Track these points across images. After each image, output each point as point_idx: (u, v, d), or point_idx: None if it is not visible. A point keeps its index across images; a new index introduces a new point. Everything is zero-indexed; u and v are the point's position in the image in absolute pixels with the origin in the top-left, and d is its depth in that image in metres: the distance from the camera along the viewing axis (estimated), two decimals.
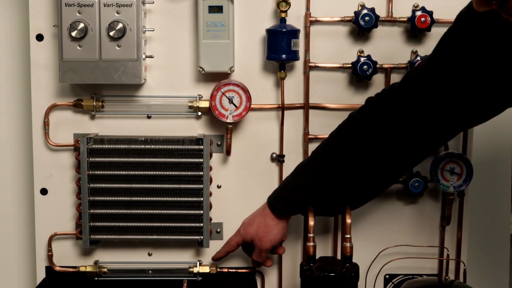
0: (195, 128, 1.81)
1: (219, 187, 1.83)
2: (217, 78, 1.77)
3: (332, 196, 1.67)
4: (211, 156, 1.78)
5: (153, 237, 1.79)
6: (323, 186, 1.65)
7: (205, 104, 1.77)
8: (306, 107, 1.81)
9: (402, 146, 1.59)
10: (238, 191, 1.83)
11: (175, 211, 1.78)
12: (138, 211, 1.78)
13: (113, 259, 1.85)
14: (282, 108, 1.80)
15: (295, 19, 1.77)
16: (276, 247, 1.77)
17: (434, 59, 1.52)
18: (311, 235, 1.67)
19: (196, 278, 1.82)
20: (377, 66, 1.77)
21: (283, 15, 1.74)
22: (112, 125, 1.80)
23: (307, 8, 1.77)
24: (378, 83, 1.80)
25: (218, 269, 1.83)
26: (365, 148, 1.60)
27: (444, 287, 1.74)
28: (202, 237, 1.79)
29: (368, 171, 1.62)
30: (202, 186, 1.76)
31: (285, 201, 1.70)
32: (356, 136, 1.61)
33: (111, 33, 1.68)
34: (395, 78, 1.79)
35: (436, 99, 1.52)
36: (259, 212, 1.75)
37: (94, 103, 1.78)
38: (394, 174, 1.66)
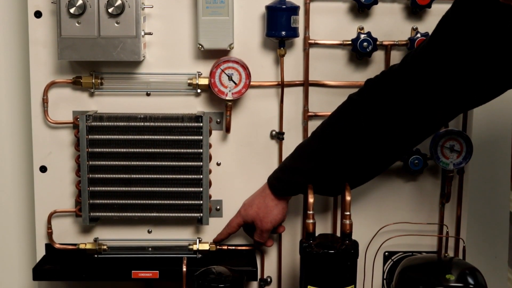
0: (195, 105, 1.81)
1: (218, 164, 1.83)
2: (216, 55, 1.76)
3: (331, 177, 1.67)
4: (210, 133, 1.78)
5: (152, 214, 1.79)
6: (323, 168, 1.65)
7: (204, 81, 1.77)
8: (306, 84, 1.80)
9: (401, 128, 1.59)
10: (238, 168, 1.83)
11: (175, 189, 1.78)
12: (137, 189, 1.78)
13: (112, 236, 1.85)
14: (281, 85, 1.79)
15: None
16: (277, 227, 1.77)
17: (433, 41, 1.52)
18: (311, 212, 1.67)
19: (195, 255, 1.83)
20: (377, 43, 1.77)
21: None
22: (111, 103, 1.80)
23: None
24: (378, 60, 1.80)
25: (218, 247, 1.83)
26: (364, 130, 1.60)
27: (443, 264, 1.74)
28: (201, 214, 1.79)
29: (367, 153, 1.62)
30: (201, 163, 1.76)
31: (285, 182, 1.70)
32: (355, 118, 1.61)
33: (110, 10, 1.67)
34: (395, 55, 1.79)
35: (435, 82, 1.51)
36: (259, 192, 1.76)
37: (93, 80, 1.77)
38: (392, 156, 1.67)
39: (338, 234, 1.81)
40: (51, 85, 1.78)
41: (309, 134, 1.75)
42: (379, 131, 1.59)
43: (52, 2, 1.72)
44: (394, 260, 1.88)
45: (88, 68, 1.78)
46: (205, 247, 1.82)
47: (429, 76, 1.52)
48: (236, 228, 1.79)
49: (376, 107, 1.59)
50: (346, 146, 1.63)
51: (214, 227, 1.84)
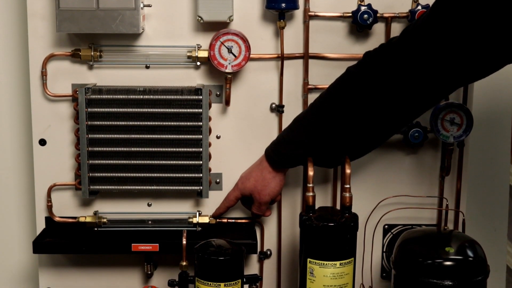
0: (194, 78, 1.80)
1: (218, 137, 1.83)
2: (216, 27, 1.75)
3: (329, 149, 1.66)
4: (210, 106, 1.77)
5: (152, 187, 1.79)
6: (320, 140, 1.65)
7: (204, 54, 1.76)
8: (306, 57, 1.79)
9: (399, 102, 1.58)
10: (238, 141, 1.83)
11: (174, 162, 1.78)
12: (137, 162, 1.78)
13: (112, 209, 1.85)
14: (281, 58, 1.78)
15: None
16: (272, 201, 1.78)
17: (434, 13, 1.51)
18: (311, 185, 1.67)
19: (195, 229, 1.83)
20: (378, 15, 1.76)
21: None
22: (110, 75, 1.79)
23: None
24: (378, 33, 1.79)
25: (218, 220, 1.83)
26: (362, 102, 1.59)
27: (443, 237, 1.74)
28: (201, 187, 1.79)
29: (365, 126, 1.62)
30: (201, 136, 1.76)
31: (282, 155, 1.70)
32: (353, 90, 1.60)
33: None
34: (396, 27, 1.78)
35: (435, 55, 1.50)
36: (256, 165, 1.75)
37: (92, 53, 1.76)
38: (391, 129, 1.66)
39: (338, 207, 1.81)
40: (50, 58, 1.77)
41: None
42: (378, 104, 1.58)
43: None
44: (394, 233, 1.89)
45: (87, 41, 1.77)
46: (205, 220, 1.83)
47: (429, 48, 1.50)
48: (234, 202, 1.79)
49: (374, 79, 1.58)
50: (343, 119, 1.62)
51: (214, 200, 1.84)
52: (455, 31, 1.46)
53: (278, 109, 1.81)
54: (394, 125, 1.65)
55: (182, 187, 1.79)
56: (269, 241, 1.89)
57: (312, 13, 1.77)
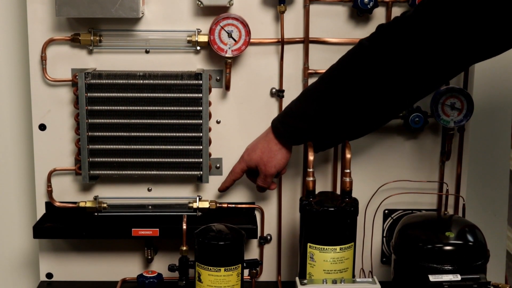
0: (194, 62, 1.79)
1: (218, 122, 1.83)
2: (216, 11, 1.75)
3: (336, 123, 1.64)
4: (210, 91, 1.77)
5: (152, 172, 1.79)
6: (328, 112, 1.62)
7: (203, 38, 1.75)
8: (306, 41, 1.79)
9: (411, 75, 1.55)
10: (238, 126, 1.82)
11: (174, 147, 1.77)
12: (137, 147, 1.78)
13: (112, 194, 1.85)
14: (281, 42, 1.78)
15: None
16: (277, 174, 1.76)
17: None
18: (311, 170, 1.67)
19: (195, 213, 1.83)
20: None
21: None
22: (110, 60, 1.79)
23: None
24: (378, 17, 1.78)
25: (218, 205, 1.83)
26: (373, 75, 1.57)
27: (443, 221, 1.74)
28: (201, 172, 1.79)
29: (374, 99, 1.59)
30: (201, 121, 1.76)
31: (289, 126, 1.67)
32: (365, 63, 1.58)
33: None
34: (396, 11, 1.77)
35: (449, 29, 1.47)
36: (262, 137, 1.74)
37: (92, 38, 1.76)
38: (398, 105, 1.63)
39: (338, 192, 1.81)
40: (49, 42, 1.77)
41: None
42: (389, 78, 1.56)
43: None
44: (394, 217, 1.89)
45: (87, 25, 1.76)
46: (205, 205, 1.83)
47: (444, 22, 1.48)
48: (240, 174, 1.77)
49: (387, 53, 1.55)
50: (353, 92, 1.59)
51: (214, 185, 1.84)
52: (472, 2, 1.45)
53: (278, 94, 1.81)
54: (402, 101, 1.62)
55: (182, 172, 1.79)
56: (269, 226, 1.89)
57: None
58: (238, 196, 1.86)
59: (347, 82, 1.60)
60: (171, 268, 1.72)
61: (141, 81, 1.75)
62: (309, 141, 1.68)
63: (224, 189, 1.81)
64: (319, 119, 1.64)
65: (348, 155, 1.67)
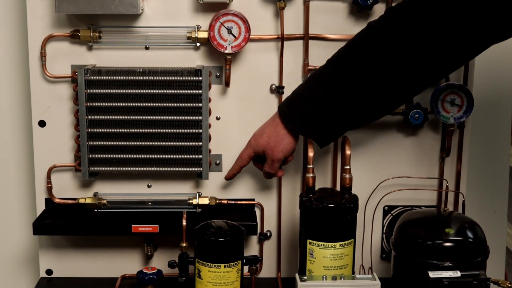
0: (194, 59, 1.79)
1: (218, 118, 1.83)
2: (215, 8, 1.75)
3: (342, 107, 1.62)
4: (210, 87, 1.77)
5: (152, 169, 1.79)
6: (335, 95, 1.61)
7: (203, 34, 1.75)
8: (306, 37, 1.79)
9: (419, 59, 1.53)
10: (237, 122, 1.82)
11: (174, 143, 1.77)
12: (137, 143, 1.77)
13: (112, 191, 1.85)
14: (281, 38, 1.78)
15: None
16: (284, 161, 1.74)
17: None
18: (311, 166, 1.67)
19: (195, 210, 1.83)
20: None
21: None
22: (109, 56, 1.79)
23: None
24: (379, 13, 1.77)
25: (218, 201, 1.83)
26: (381, 57, 1.55)
27: (443, 218, 1.74)
28: (201, 168, 1.79)
29: (382, 83, 1.57)
30: (201, 117, 1.75)
31: (296, 110, 1.65)
32: (373, 45, 1.56)
33: None
34: None
35: (462, 9, 1.46)
36: (269, 122, 1.72)
37: (91, 34, 1.75)
38: (406, 91, 1.61)
39: (338, 188, 1.81)
40: (49, 38, 1.77)
41: None
42: (398, 60, 1.54)
43: None
44: (394, 214, 1.89)
45: (86, 22, 1.76)
46: (205, 201, 1.83)
47: (453, 2, 1.48)
48: (247, 161, 1.75)
49: (396, 35, 1.53)
50: (361, 74, 1.57)
51: (214, 181, 1.84)
52: None
53: (278, 90, 1.81)
54: (410, 87, 1.60)
55: (182, 169, 1.79)
56: (269, 222, 1.89)
57: None
58: (238, 193, 1.86)
59: (355, 64, 1.58)
60: (171, 265, 1.72)
61: (141, 78, 1.75)
62: (315, 127, 1.66)
63: (231, 177, 1.79)
64: (327, 102, 1.62)
65: (348, 152, 1.67)
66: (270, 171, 1.73)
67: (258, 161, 1.76)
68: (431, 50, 1.52)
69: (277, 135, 1.69)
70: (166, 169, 1.79)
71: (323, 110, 1.63)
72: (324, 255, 1.64)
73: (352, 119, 1.65)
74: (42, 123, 1.81)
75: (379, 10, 1.77)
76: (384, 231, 1.90)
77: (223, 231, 1.66)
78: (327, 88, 1.62)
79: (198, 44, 1.77)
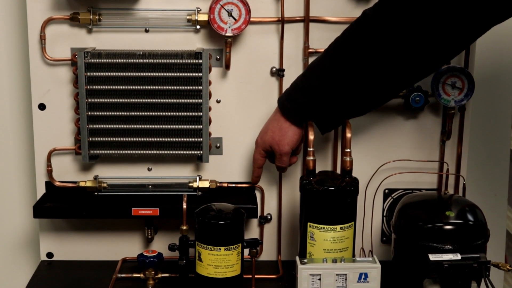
0: (194, 42, 1.79)
1: (218, 101, 1.82)
2: None
3: (340, 97, 1.62)
4: (210, 70, 1.76)
5: (152, 152, 1.79)
6: (333, 86, 1.60)
7: (203, 17, 1.74)
8: (307, 20, 1.78)
9: (416, 46, 1.53)
10: (238, 105, 1.82)
11: (174, 126, 1.77)
12: (137, 126, 1.77)
13: (112, 174, 1.85)
14: (282, 21, 1.77)
15: None
16: (295, 150, 1.73)
17: None
18: (311, 149, 1.66)
19: (196, 193, 1.83)
20: None
21: None
22: (109, 39, 1.78)
23: None
24: None
25: (218, 184, 1.83)
26: (378, 45, 1.54)
27: (443, 201, 1.74)
28: (201, 152, 1.78)
29: (379, 71, 1.57)
30: (201, 100, 1.75)
31: (296, 102, 1.65)
32: (369, 34, 1.55)
33: None
34: None
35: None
36: (271, 118, 1.72)
37: (91, 17, 1.75)
38: (405, 78, 1.61)
39: (338, 171, 1.81)
40: (48, 21, 1.76)
41: None
42: (396, 49, 1.53)
43: None
44: (394, 197, 1.89)
45: (86, 4, 1.75)
46: (205, 184, 1.82)
47: None
48: (262, 160, 1.75)
49: (392, 22, 1.52)
50: (358, 64, 1.57)
51: (214, 164, 1.84)
52: None
53: (278, 73, 1.80)
54: (409, 74, 1.59)
55: (182, 152, 1.79)
56: (269, 206, 1.89)
57: None
58: (238, 176, 1.86)
59: (352, 54, 1.58)
60: (172, 248, 1.72)
61: (141, 60, 1.74)
62: (316, 118, 1.66)
63: (256, 181, 1.80)
64: (325, 92, 1.62)
65: (348, 135, 1.67)
66: (281, 165, 1.73)
67: (270, 157, 1.76)
68: (428, 37, 1.51)
69: (280, 129, 1.69)
70: (166, 152, 1.79)
71: (322, 100, 1.63)
72: (324, 238, 1.64)
73: (351, 108, 1.65)
74: (42, 106, 1.81)
75: None
76: (384, 214, 1.90)
77: (224, 214, 1.66)
78: (325, 79, 1.61)
79: (198, 26, 1.76)
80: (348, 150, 1.66)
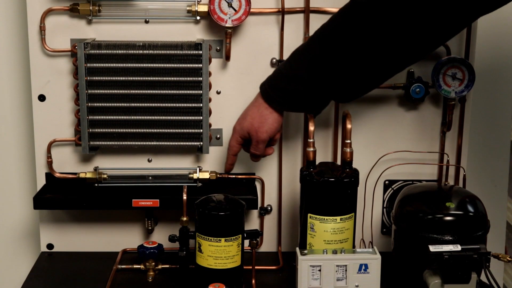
0: (194, 33, 1.78)
1: (218, 92, 1.82)
2: None
3: (328, 84, 1.60)
4: (210, 61, 1.76)
5: (152, 143, 1.79)
6: (320, 73, 1.59)
7: (203, 8, 1.74)
8: (307, 11, 1.78)
9: (411, 34, 1.51)
10: (238, 96, 1.82)
11: (175, 117, 1.77)
12: (137, 117, 1.77)
13: (113, 165, 1.85)
14: (282, 12, 1.77)
15: None
16: (271, 140, 1.72)
17: None
18: (311, 140, 1.66)
19: (196, 184, 1.83)
20: None
21: None
22: (109, 30, 1.78)
23: None
24: None
25: (218, 175, 1.83)
26: (368, 34, 1.52)
27: (443, 192, 1.74)
28: (201, 143, 1.78)
29: (370, 59, 1.55)
30: (201, 91, 1.75)
31: (279, 89, 1.64)
32: (360, 22, 1.53)
33: None
34: None
35: None
36: (251, 103, 1.71)
37: (91, 8, 1.74)
38: (395, 66, 1.59)
39: (339, 162, 1.81)
40: (48, 12, 1.76)
41: None
42: (386, 36, 1.52)
43: None
44: (394, 188, 1.89)
45: None
46: (205, 175, 1.82)
47: None
48: (238, 147, 1.74)
49: (383, 10, 1.50)
50: (348, 51, 1.55)
51: (214, 156, 1.84)
52: None
53: (278, 64, 1.80)
54: (398, 61, 1.58)
55: (183, 143, 1.79)
56: (270, 197, 1.89)
57: None
58: (239, 167, 1.86)
59: (341, 41, 1.55)
60: (172, 239, 1.72)
61: (141, 51, 1.74)
62: (302, 106, 1.65)
63: (230, 168, 1.79)
64: (311, 79, 1.60)
65: (348, 126, 1.67)
66: (256, 152, 1.72)
67: (246, 145, 1.75)
68: (420, 24, 1.49)
69: (260, 115, 1.67)
70: (167, 143, 1.79)
71: (308, 87, 1.61)
72: (324, 229, 1.64)
73: (338, 94, 1.63)
74: (42, 98, 1.81)
75: None
76: (384, 205, 1.90)
77: (224, 205, 1.66)
78: (312, 66, 1.59)
79: (198, 17, 1.76)
80: (349, 141, 1.66)
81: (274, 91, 1.65)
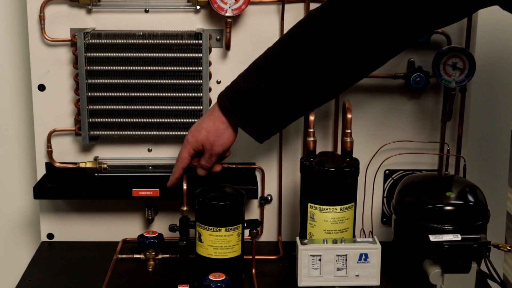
0: (194, 22, 1.78)
1: (218, 82, 1.82)
2: None
3: (289, 100, 1.58)
4: (210, 50, 1.76)
5: (152, 133, 1.79)
6: (280, 88, 1.56)
7: None
8: (307, 0, 1.77)
9: (370, 50, 1.51)
10: None
11: (175, 107, 1.77)
12: (137, 107, 1.77)
13: (112, 155, 1.85)
14: (282, 1, 1.76)
15: None
16: (221, 156, 1.70)
17: None
18: (312, 130, 1.66)
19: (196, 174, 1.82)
20: None
21: None
22: (109, 20, 1.77)
23: None
24: None
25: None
26: (326, 49, 1.51)
27: (443, 182, 1.74)
28: None
29: (332, 73, 1.54)
30: (201, 81, 1.75)
31: (239, 104, 1.60)
32: (318, 38, 1.51)
33: None
34: None
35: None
36: (207, 115, 1.66)
37: None
38: (357, 75, 1.58)
39: (339, 152, 1.80)
40: (48, 1, 1.75)
41: None
42: (344, 51, 1.50)
43: None
44: (395, 178, 1.89)
45: None
46: None
47: None
48: (189, 160, 1.69)
49: (341, 25, 1.49)
50: (305, 67, 1.53)
51: None
52: None
53: None
54: (360, 71, 1.57)
55: (183, 133, 1.78)
56: (270, 186, 1.89)
57: None
58: (239, 156, 1.86)
59: (298, 56, 1.53)
60: (172, 229, 1.72)
61: (141, 41, 1.73)
62: (256, 123, 1.61)
63: (174, 183, 1.72)
64: (268, 95, 1.57)
65: (349, 115, 1.66)
66: (207, 165, 1.69)
67: (197, 157, 1.71)
68: (380, 38, 1.49)
69: (216, 129, 1.64)
70: (167, 133, 1.79)
71: (265, 103, 1.58)
72: (324, 218, 1.64)
73: (295, 110, 1.61)
74: (41, 87, 1.81)
75: None
76: (384, 195, 1.90)
77: (224, 195, 1.66)
78: (269, 80, 1.57)
79: (198, 7, 1.75)
80: (349, 130, 1.66)
81: (233, 105, 1.61)
